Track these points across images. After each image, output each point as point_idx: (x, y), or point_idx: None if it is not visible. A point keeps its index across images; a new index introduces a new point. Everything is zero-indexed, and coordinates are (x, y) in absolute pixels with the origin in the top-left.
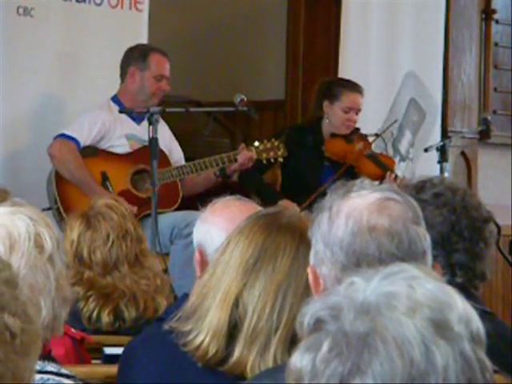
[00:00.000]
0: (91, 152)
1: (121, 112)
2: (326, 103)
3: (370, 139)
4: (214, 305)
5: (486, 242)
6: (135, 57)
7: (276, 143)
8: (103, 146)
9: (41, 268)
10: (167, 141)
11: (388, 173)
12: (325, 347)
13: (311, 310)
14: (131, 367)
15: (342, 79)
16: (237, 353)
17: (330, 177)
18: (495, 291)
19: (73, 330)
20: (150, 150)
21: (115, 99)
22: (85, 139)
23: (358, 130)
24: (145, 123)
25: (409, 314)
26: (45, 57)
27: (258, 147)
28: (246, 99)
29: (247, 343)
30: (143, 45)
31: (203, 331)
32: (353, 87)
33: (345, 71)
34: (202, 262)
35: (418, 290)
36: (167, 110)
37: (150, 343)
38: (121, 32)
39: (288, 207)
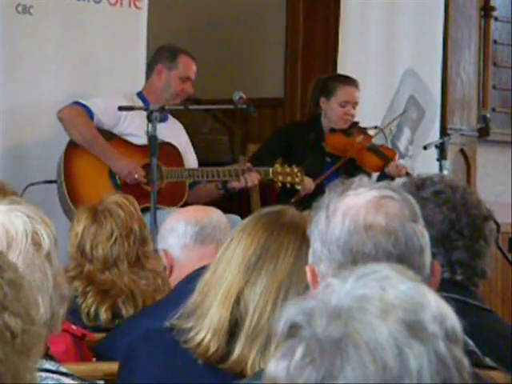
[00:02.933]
0: (106, 135)
1: (120, 109)
2: (322, 99)
3: (370, 132)
4: (215, 302)
5: (486, 240)
6: (164, 55)
7: (295, 170)
8: (119, 130)
9: (38, 266)
10: (183, 146)
11: (391, 163)
12: (298, 354)
13: (286, 316)
14: (132, 364)
15: (337, 75)
16: (237, 350)
17: (332, 174)
18: (494, 289)
19: (73, 326)
20: (149, 148)
21: (141, 95)
22: (98, 111)
23: (356, 123)
24: (167, 124)
25: (381, 316)
26: (44, 54)
27: (275, 169)
28: (244, 97)
29: (248, 341)
30: (173, 45)
31: (204, 328)
32: (348, 81)
33: (343, 69)
34: (167, 260)
35: (390, 292)
36: (166, 107)
37: (151, 340)
38: (120, 30)
39: (305, 181)
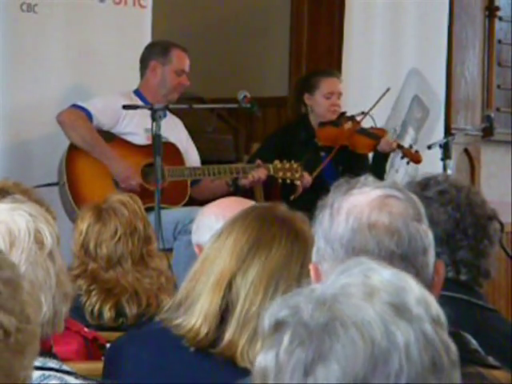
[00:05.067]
0: (106, 137)
1: (124, 108)
2: (306, 96)
3: (358, 118)
4: (206, 288)
5: (490, 240)
6: (157, 51)
7: (295, 166)
8: (118, 129)
9: (41, 264)
10: (183, 141)
11: (382, 140)
12: (286, 340)
13: (270, 313)
14: (117, 362)
15: (316, 70)
16: (228, 336)
17: (328, 165)
18: (498, 288)
19: (86, 329)
20: (153, 147)
21: (137, 93)
22: (97, 112)
23: (344, 113)
24: (166, 120)
25: (366, 299)
26: (48, 53)
27: (275, 165)
28: (249, 96)
29: (239, 327)
30: (164, 40)
31: (195, 315)
32: (328, 73)
33: (348, 68)
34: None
35: (373, 277)
36: (170, 106)
37: (139, 338)
38: (124, 28)
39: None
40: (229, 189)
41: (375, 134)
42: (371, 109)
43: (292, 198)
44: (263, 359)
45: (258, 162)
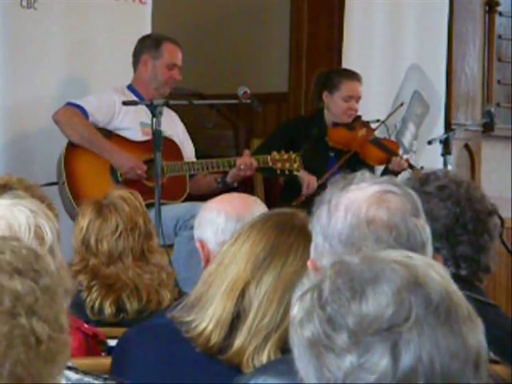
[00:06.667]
0: (104, 134)
1: (124, 104)
2: (325, 94)
3: (373, 126)
4: (219, 293)
5: (490, 235)
6: (148, 45)
7: (293, 156)
8: (114, 125)
9: None
10: (180, 135)
11: (394, 158)
12: (329, 274)
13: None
14: (126, 356)
15: (339, 68)
16: (238, 343)
17: (333, 167)
18: (499, 283)
19: (86, 325)
20: (154, 142)
21: (131, 88)
22: (92, 109)
23: (359, 117)
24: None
25: (406, 257)
26: (49, 49)
27: (273, 156)
28: (249, 91)
29: (249, 336)
30: (156, 34)
31: (206, 319)
32: (351, 76)
33: (348, 64)
34: (203, 252)
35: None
36: (170, 102)
37: (148, 332)
38: (125, 24)
39: (308, 178)
40: (218, 186)
41: (388, 148)
42: (387, 118)
43: (294, 203)
44: (301, 304)
45: (247, 151)
